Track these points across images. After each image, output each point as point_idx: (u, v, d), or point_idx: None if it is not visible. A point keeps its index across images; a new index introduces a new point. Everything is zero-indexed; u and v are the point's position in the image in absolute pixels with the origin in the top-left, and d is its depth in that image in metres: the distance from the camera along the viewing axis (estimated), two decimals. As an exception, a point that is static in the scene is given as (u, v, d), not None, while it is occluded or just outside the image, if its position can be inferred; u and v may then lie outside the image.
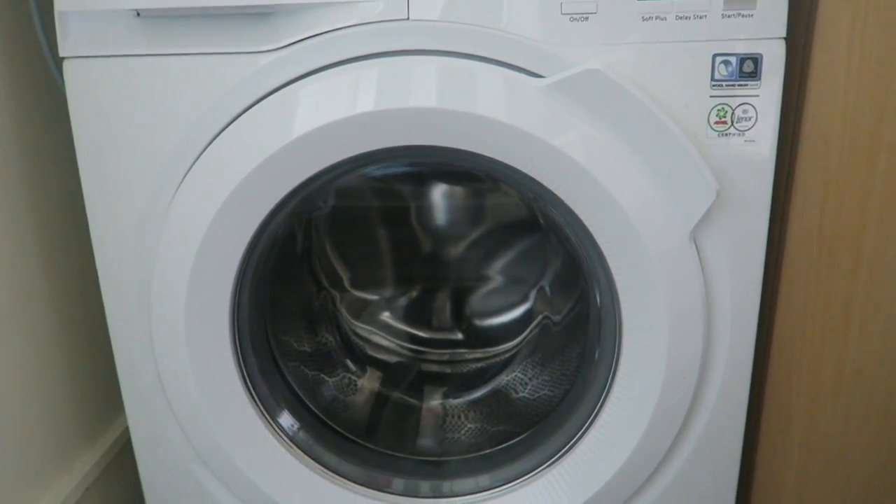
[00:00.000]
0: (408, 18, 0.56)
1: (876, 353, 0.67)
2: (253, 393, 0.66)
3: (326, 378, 0.83)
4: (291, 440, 0.68)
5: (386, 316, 0.90)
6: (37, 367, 0.73)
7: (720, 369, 0.64)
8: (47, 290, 0.74)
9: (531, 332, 0.87)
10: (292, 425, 0.70)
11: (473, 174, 0.80)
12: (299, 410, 0.72)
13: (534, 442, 0.73)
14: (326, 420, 0.75)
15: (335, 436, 0.75)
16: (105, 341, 0.67)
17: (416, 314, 0.90)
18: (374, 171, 0.78)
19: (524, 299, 0.88)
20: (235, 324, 0.64)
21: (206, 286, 0.61)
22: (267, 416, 0.66)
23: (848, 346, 0.67)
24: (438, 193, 0.84)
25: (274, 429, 0.67)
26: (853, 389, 0.68)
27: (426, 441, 0.80)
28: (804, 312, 0.66)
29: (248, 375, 0.66)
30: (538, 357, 0.84)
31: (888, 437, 0.70)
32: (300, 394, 0.74)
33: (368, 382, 0.86)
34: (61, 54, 0.59)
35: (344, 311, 0.88)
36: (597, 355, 0.68)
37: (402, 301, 0.90)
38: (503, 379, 0.85)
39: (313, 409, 0.74)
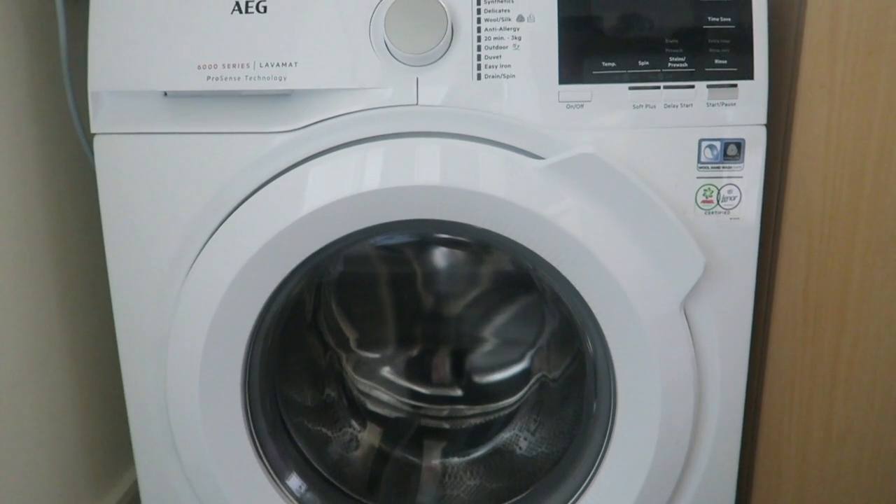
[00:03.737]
0: (416, 104, 0.61)
1: (862, 417, 0.69)
2: (262, 455, 0.68)
3: (329, 433, 0.85)
4: (299, 501, 0.70)
5: (387, 372, 0.93)
6: (51, 422, 0.75)
7: (711, 433, 0.67)
8: (66, 347, 0.77)
9: (529, 389, 0.89)
10: (300, 486, 0.71)
11: (475, 242, 0.84)
12: (306, 471, 0.74)
13: (532, 501, 0.75)
14: (332, 480, 0.76)
15: (340, 495, 0.76)
16: (118, 398, 0.70)
17: (417, 371, 0.92)
18: (382, 240, 0.81)
19: (522, 359, 0.91)
20: (247, 388, 0.66)
21: (221, 352, 0.63)
22: (276, 478, 0.68)
23: (835, 410, 0.69)
24: (441, 259, 0.87)
25: (283, 490, 0.69)
26: (841, 453, 0.70)
27: (426, 499, 0.81)
28: (792, 378, 0.69)
29: (258, 438, 0.68)
30: (537, 415, 0.86)
31: (877, 500, 0.71)
32: (307, 454, 0.75)
33: (369, 437, 0.88)
34: (93, 130, 0.63)
35: (349, 370, 0.91)
36: (592, 416, 0.71)
37: (404, 358, 0.93)
38: (503, 436, 0.87)
39: (320, 469, 0.76)
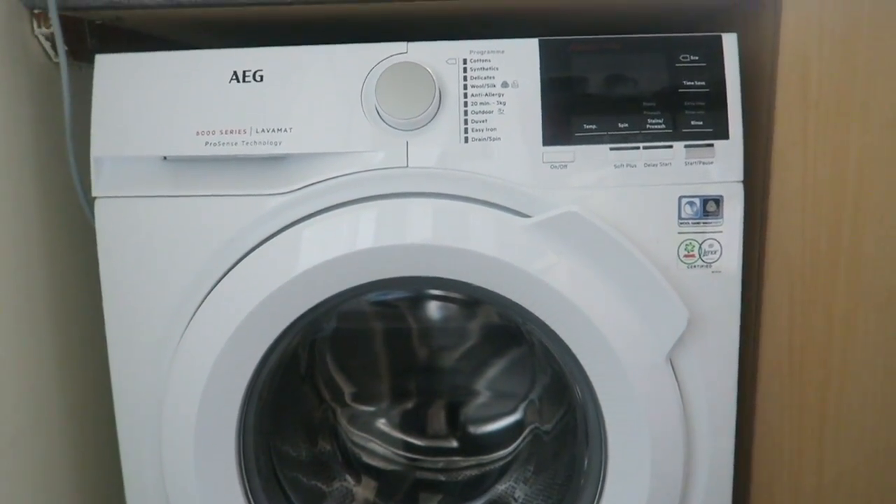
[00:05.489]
0: (407, 166, 0.63)
1: (852, 463, 0.70)
2: (258, 515, 0.68)
3: (324, 488, 0.85)
4: (294, 561, 0.70)
5: (382, 424, 0.93)
6: (47, 481, 0.75)
7: (702, 484, 0.67)
8: (63, 407, 0.77)
9: (523, 441, 0.90)
10: (294, 546, 0.72)
11: (466, 298, 0.85)
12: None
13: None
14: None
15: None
16: (114, 457, 0.70)
17: (412, 424, 0.93)
18: (375, 296, 0.83)
19: (515, 411, 0.91)
20: (241, 445, 0.66)
21: (216, 411, 0.64)
22: (271, 538, 0.68)
23: (825, 457, 0.70)
24: (434, 313, 0.89)
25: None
26: (834, 500, 0.71)
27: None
28: (781, 427, 0.70)
29: (253, 497, 0.67)
30: (531, 466, 0.87)
31: (870, 547, 0.72)
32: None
33: (364, 491, 0.87)
34: (94, 194, 0.65)
35: (344, 423, 0.91)
36: (585, 468, 0.71)
37: (399, 411, 0.93)
38: (498, 488, 0.87)
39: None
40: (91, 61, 0.65)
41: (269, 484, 0.72)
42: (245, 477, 0.67)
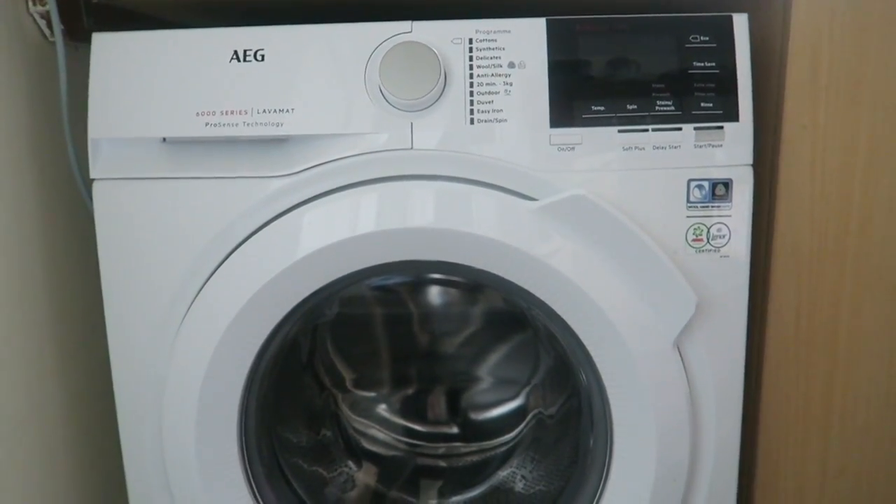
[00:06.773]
0: (411, 148, 0.62)
1: (857, 452, 0.70)
2: (260, 501, 0.67)
3: (325, 474, 0.84)
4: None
5: (384, 410, 0.93)
6: (46, 469, 0.74)
7: (707, 470, 0.67)
8: (63, 394, 0.76)
9: (526, 426, 0.89)
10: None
11: (469, 282, 0.84)
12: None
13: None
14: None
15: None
16: (114, 444, 0.69)
17: (414, 409, 0.92)
18: (377, 281, 0.82)
19: (518, 396, 0.91)
20: (243, 432, 0.66)
21: (217, 397, 0.63)
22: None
23: (830, 445, 0.70)
24: (436, 298, 0.88)
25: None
26: (838, 488, 0.71)
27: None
28: (786, 414, 0.69)
29: (255, 483, 0.67)
30: (534, 452, 0.86)
31: (875, 535, 0.71)
32: (304, 497, 0.75)
33: (365, 477, 0.87)
34: (92, 176, 0.64)
35: (345, 409, 0.91)
36: (589, 454, 0.71)
37: (400, 397, 0.93)
38: (500, 474, 0.87)
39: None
40: (87, 41, 0.64)
41: (271, 470, 0.72)
42: (247, 463, 0.66)
